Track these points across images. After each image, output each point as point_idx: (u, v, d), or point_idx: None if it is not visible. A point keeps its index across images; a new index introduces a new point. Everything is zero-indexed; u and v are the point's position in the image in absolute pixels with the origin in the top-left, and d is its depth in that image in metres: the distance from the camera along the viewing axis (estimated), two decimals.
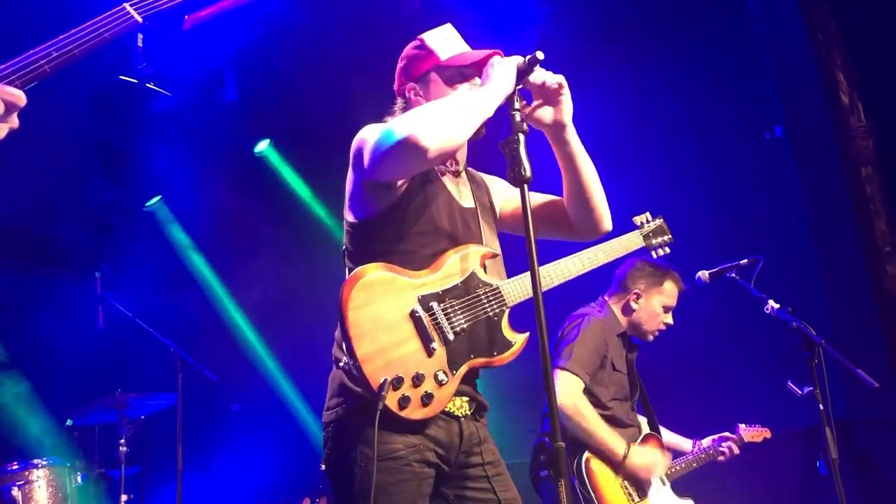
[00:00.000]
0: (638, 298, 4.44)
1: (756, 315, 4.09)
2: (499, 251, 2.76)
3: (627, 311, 4.46)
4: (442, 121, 2.40)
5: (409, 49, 2.81)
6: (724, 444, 4.67)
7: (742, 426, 4.77)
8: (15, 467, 4.91)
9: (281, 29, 6.46)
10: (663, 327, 4.48)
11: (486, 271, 2.66)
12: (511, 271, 2.75)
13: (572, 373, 4.13)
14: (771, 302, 4.04)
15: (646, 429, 4.50)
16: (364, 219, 2.63)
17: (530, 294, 2.60)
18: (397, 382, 2.39)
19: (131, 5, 1.97)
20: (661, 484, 4.36)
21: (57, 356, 6.93)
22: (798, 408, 4.25)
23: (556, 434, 2.13)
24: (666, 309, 4.45)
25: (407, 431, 2.46)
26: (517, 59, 2.52)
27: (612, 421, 4.25)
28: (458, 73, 2.72)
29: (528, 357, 2.58)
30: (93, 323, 5.68)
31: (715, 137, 6.26)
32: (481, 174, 2.98)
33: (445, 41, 2.75)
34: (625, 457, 4.13)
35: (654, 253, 3.20)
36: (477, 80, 2.64)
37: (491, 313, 2.59)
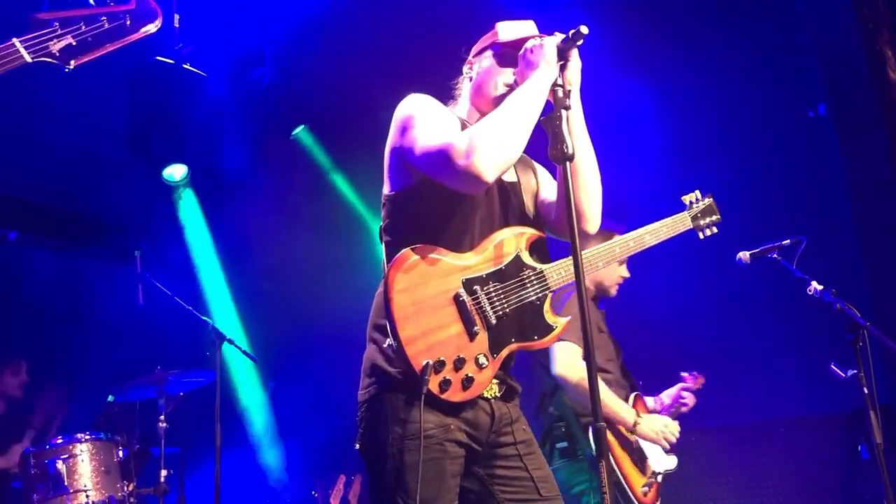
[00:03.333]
0: None
1: (799, 296, 4.01)
2: (543, 232, 2.71)
3: None
4: (502, 146, 2.38)
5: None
6: (685, 396, 4.53)
7: (685, 374, 4.62)
8: (59, 441, 5.01)
9: (319, 14, 6.44)
10: (622, 280, 4.41)
11: (530, 254, 2.62)
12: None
13: (568, 340, 3.97)
14: (814, 283, 3.94)
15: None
16: (400, 190, 2.61)
17: (573, 278, 2.58)
18: (439, 366, 2.39)
19: (22, 42, 1.83)
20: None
21: (99, 333, 7.04)
22: (840, 391, 4.18)
23: (597, 414, 2.11)
24: (621, 261, 4.36)
25: (438, 412, 2.47)
26: (555, 40, 2.48)
27: (610, 384, 4.16)
28: (510, 54, 2.66)
29: None
30: (133, 301, 5.74)
31: (757, 115, 6.16)
32: (527, 156, 2.91)
33: (514, 27, 2.70)
34: (635, 424, 4.06)
35: (700, 234, 3.11)
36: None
37: (534, 297, 2.56)
